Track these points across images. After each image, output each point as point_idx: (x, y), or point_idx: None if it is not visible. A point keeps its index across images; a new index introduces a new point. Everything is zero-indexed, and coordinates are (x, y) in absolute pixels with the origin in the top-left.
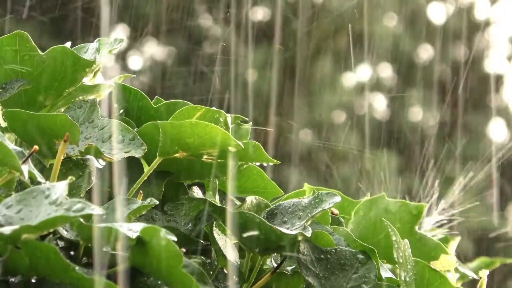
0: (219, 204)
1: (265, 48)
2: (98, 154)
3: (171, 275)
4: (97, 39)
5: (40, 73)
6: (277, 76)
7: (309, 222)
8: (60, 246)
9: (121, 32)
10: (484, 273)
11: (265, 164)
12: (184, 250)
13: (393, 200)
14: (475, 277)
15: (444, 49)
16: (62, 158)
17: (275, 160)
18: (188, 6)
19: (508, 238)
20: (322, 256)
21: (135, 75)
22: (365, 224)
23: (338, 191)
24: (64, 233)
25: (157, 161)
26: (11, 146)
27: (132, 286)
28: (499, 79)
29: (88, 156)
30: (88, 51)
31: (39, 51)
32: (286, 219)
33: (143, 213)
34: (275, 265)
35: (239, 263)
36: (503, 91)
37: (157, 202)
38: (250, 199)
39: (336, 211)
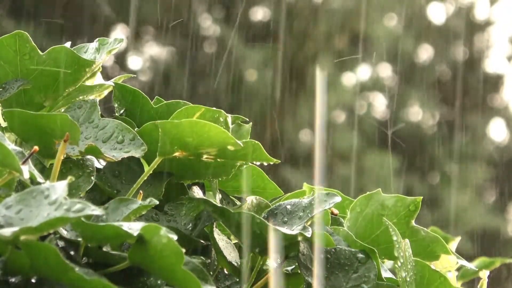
0: (219, 205)
1: (265, 48)
2: (98, 154)
3: (172, 273)
4: (97, 39)
5: (40, 73)
6: (277, 76)
7: (309, 223)
8: (60, 246)
9: (121, 32)
10: (484, 273)
11: (265, 164)
12: (184, 250)
13: (389, 195)
14: (474, 268)
15: (444, 49)
16: (62, 158)
17: (275, 159)
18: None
19: (508, 238)
20: (322, 256)
21: (135, 75)
22: (362, 221)
23: (338, 191)
24: (64, 233)
25: (156, 161)
26: (11, 146)
27: (132, 286)
28: (499, 79)
29: (88, 156)
30: (88, 51)
31: (39, 51)
32: (286, 219)
33: (143, 213)
34: (275, 265)
35: (239, 263)
36: (503, 91)
37: (157, 202)
38: (250, 199)
39: (336, 211)
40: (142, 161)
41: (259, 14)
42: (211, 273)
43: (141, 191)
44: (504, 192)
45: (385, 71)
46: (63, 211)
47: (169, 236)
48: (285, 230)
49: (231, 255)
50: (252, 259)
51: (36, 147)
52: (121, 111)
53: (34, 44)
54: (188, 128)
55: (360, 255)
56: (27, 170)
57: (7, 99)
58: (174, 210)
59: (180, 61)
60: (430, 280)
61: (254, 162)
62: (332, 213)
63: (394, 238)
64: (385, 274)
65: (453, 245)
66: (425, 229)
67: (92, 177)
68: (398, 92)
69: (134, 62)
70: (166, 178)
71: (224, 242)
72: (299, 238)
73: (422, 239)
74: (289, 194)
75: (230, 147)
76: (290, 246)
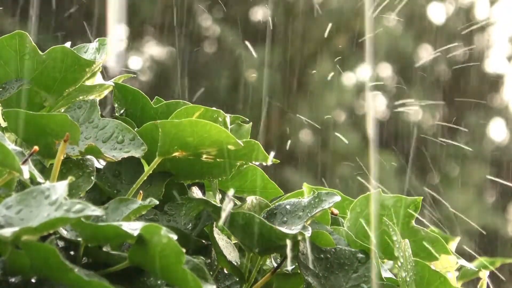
0: (219, 205)
1: (265, 48)
2: (98, 154)
3: (172, 273)
4: (97, 39)
5: (40, 73)
6: (277, 75)
7: (309, 222)
8: (60, 246)
9: (121, 32)
10: (484, 273)
11: (265, 164)
12: (184, 250)
13: (389, 196)
14: (474, 268)
15: (444, 49)
16: (62, 158)
17: (274, 159)
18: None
19: (508, 238)
20: (322, 256)
21: (135, 75)
22: (361, 221)
23: (337, 190)
24: (64, 233)
25: (156, 161)
26: (11, 146)
27: (132, 286)
28: (499, 79)
29: (88, 156)
30: (88, 51)
31: (39, 51)
32: (286, 219)
33: (143, 213)
34: (275, 265)
35: (239, 263)
36: (503, 91)
37: (157, 202)
38: (250, 199)
39: (336, 211)
40: (142, 161)
41: (259, 14)
42: (211, 273)
43: (141, 191)
44: (504, 192)
45: (385, 71)
46: (63, 212)
47: (169, 236)
48: (285, 230)
49: (231, 255)
50: (252, 259)
51: (36, 147)
52: (121, 111)
53: (34, 44)
54: (188, 127)
55: (360, 255)
56: (27, 170)
57: (7, 99)
58: (174, 210)
59: (180, 61)
60: (430, 280)
61: (254, 162)
62: (332, 213)
63: (394, 238)
64: (385, 274)
65: (452, 245)
66: (425, 229)
67: (92, 177)
68: (398, 92)
69: (134, 62)
70: (166, 178)
71: (224, 242)
72: (299, 238)
73: (422, 239)
74: (289, 194)
75: (230, 147)
76: (290, 246)
